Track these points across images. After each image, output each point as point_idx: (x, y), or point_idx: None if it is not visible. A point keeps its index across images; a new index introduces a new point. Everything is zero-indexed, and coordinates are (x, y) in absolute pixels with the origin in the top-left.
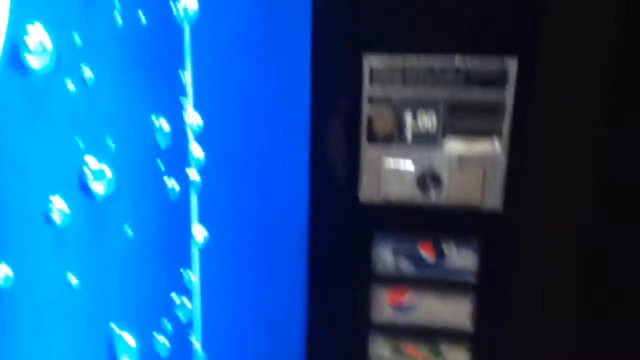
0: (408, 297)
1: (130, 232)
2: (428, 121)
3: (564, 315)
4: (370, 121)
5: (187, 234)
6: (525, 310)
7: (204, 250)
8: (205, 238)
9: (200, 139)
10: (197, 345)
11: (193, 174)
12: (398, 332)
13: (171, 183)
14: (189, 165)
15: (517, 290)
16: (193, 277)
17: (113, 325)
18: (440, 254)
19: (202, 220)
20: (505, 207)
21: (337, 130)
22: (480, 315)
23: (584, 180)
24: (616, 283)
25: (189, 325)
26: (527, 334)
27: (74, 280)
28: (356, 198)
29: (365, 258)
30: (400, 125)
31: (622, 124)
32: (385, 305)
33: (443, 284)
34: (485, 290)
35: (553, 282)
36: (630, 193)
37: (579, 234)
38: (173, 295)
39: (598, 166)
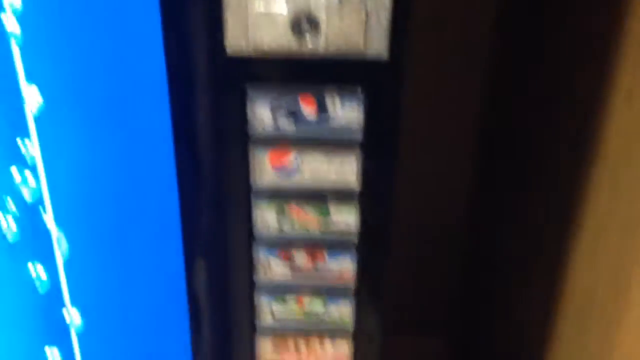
0: (290, 159)
1: None
2: None
3: (454, 170)
4: None
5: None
6: (412, 166)
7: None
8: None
9: None
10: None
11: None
12: (282, 196)
13: None
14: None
15: (403, 144)
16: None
17: None
18: (323, 109)
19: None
20: (390, 55)
21: None
22: (366, 172)
23: (473, 27)
24: (509, 127)
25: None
26: (413, 188)
27: None
28: (223, 50)
29: (240, 118)
30: None
31: None
32: (267, 168)
33: (328, 142)
34: (371, 146)
35: (441, 135)
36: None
37: (468, 85)
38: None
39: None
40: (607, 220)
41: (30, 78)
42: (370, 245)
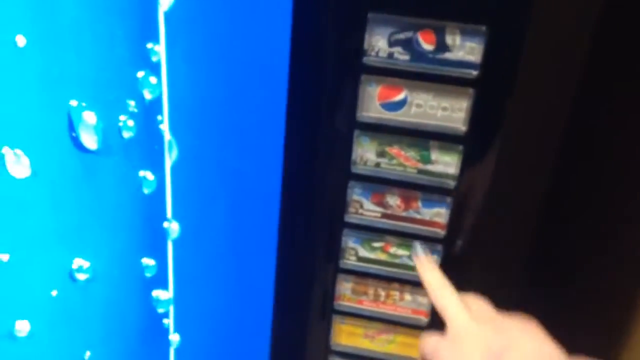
0: (400, 92)
1: None
2: None
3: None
4: None
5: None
6: (525, 110)
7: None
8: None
9: None
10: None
11: None
12: (385, 133)
13: None
14: None
15: (521, 88)
16: (158, 48)
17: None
18: (442, 45)
19: None
20: None
21: None
22: (476, 115)
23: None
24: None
25: (156, 103)
26: (521, 137)
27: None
28: None
29: (356, 44)
30: None
31: None
32: (373, 101)
33: (441, 78)
34: (487, 86)
35: (561, 83)
36: None
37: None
38: (139, 73)
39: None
40: None
41: None
42: (467, 196)
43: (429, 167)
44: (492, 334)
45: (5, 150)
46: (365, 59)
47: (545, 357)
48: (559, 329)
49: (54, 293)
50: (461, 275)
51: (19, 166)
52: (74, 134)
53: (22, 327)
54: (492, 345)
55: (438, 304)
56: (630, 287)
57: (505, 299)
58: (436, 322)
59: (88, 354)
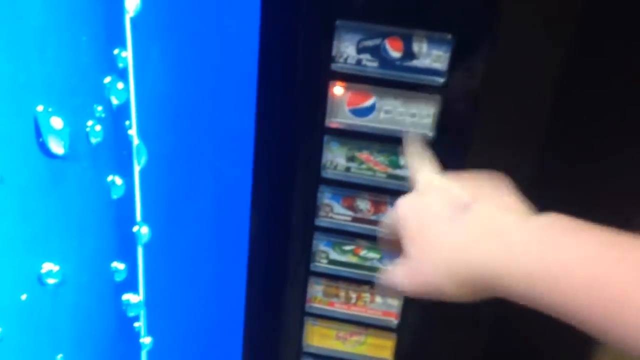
0: (368, 98)
1: None
2: None
3: (533, 124)
4: None
5: (120, 3)
6: (492, 117)
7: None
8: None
9: None
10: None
11: None
12: (354, 138)
13: None
14: None
15: (486, 93)
16: (125, 54)
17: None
18: (409, 52)
19: None
20: None
21: None
22: (443, 120)
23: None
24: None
25: (123, 109)
26: (488, 144)
27: None
28: None
29: (324, 51)
30: None
31: None
32: (343, 107)
33: (408, 85)
34: (453, 92)
35: (525, 89)
36: None
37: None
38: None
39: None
40: None
41: None
42: None
43: (398, 172)
44: (459, 188)
45: None
46: (334, 66)
47: (511, 209)
48: None
49: (24, 297)
50: None
51: None
52: (41, 140)
53: None
54: (460, 197)
55: (411, 169)
56: None
57: None
58: (406, 324)
59: (59, 356)
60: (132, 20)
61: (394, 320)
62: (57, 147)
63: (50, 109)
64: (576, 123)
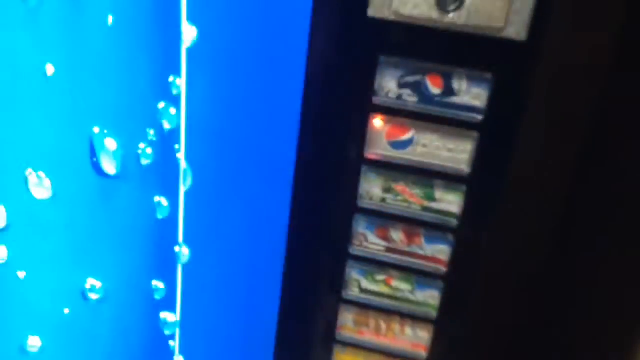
0: (407, 132)
1: (110, 19)
2: None
3: (568, 165)
4: None
5: (177, 34)
6: (528, 156)
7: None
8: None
9: None
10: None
11: None
12: (391, 170)
13: None
14: None
15: (523, 132)
16: (179, 82)
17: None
18: (449, 89)
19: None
20: (529, 37)
21: None
22: (480, 157)
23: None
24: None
25: (174, 133)
26: (524, 183)
27: (50, 69)
28: (364, 12)
29: (367, 85)
30: None
31: None
32: (382, 139)
33: (446, 121)
34: (491, 130)
35: (561, 128)
36: None
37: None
38: (160, 104)
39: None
40: None
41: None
42: (470, 234)
43: (433, 205)
44: None
45: (29, 172)
46: (375, 99)
47: None
48: None
49: (66, 311)
50: (463, 312)
51: (41, 188)
52: (94, 159)
53: (34, 343)
54: None
55: None
56: None
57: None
58: (435, 357)
59: None
60: (188, 50)
61: (423, 353)
62: (109, 167)
63: (105, 131)
64: (611, 166)
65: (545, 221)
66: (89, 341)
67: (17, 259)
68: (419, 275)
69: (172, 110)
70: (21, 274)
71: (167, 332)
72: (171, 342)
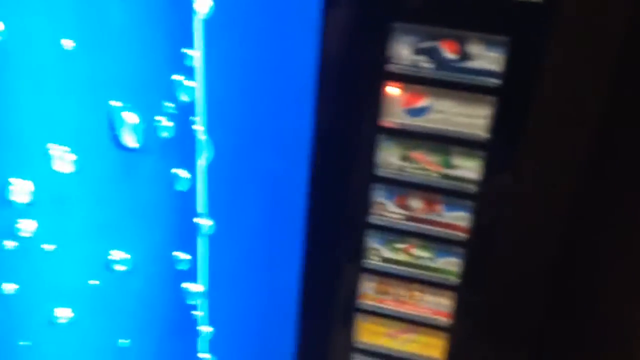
0: (422, 99)
1: None
2: None
3: (587, 127)
4: None
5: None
6: (546, 120)
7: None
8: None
9: None
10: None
11: None
12: (408, 138)
13: None
14: None
15: (541, 95)
16: (195, 54)
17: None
18: (464, 54)
19: None
20: None
21: None
22: (498, 122)
23: None
24: None
25: (192, 105)
26: (543, 146)
27: (69, 44)
28: None
29: (381, 52)
30: None
31: None
32: (397, 106)
33: (463, 86)
34: (509, 94)
35: (580, 91)
36: None
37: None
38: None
39: None
40: None
41: None
42: (489, 199)
43: (451, 172)
44: None
45: (52, 147)
46: (390, 67)
47: None
48: None
49: (94, 282)
50: (483, 278)
51: (64, 163)
52: (114, 133)
53: (63, 314)
54: None
55: None
56: None
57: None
58: (456, 324)
59: (121, 341)
60: (204, 22)
61: (444, 320)
62: (130, 140)
63: (124, 105)
64: (632, 126)
65: (565, 186)
66: (116, 312)
67: (45, 233)
68: (439, 243)
69: (190, 83)
70: (50, 247)
71: (190, 302)
72: (194, 312)
